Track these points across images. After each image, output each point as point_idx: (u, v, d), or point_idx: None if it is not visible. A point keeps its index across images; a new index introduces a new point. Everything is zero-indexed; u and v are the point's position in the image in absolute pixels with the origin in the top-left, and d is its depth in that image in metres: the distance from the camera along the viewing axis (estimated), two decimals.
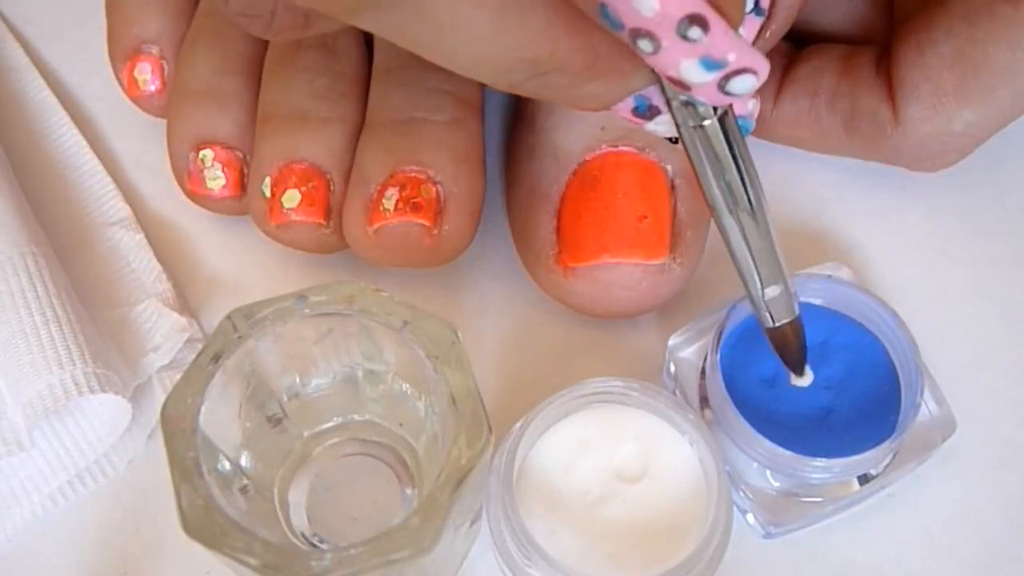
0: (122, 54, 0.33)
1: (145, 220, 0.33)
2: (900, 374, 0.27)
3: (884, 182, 0.34)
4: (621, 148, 0.29)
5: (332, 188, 0.30)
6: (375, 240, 0.29)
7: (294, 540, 0.26)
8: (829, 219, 0.33)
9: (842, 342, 0.28)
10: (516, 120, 0.33)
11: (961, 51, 0.28)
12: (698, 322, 0.29)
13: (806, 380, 0.27)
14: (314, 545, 0.27)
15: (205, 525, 0.22)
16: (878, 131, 0.30)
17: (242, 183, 0.31)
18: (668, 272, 0.29)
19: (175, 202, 0.33)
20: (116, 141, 0.35)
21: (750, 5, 0.27)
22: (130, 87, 0.33)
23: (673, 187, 0.29)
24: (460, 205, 0.29)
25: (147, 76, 0.32)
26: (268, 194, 0.30)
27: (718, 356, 0.27)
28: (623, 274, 0.29)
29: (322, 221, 0.30)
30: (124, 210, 0.33)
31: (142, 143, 0.34)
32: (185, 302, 0.32)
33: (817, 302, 0.28)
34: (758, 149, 0.34)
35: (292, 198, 0.29)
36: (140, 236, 0.32)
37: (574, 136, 0.29)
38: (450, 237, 0.29)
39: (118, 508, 0.29)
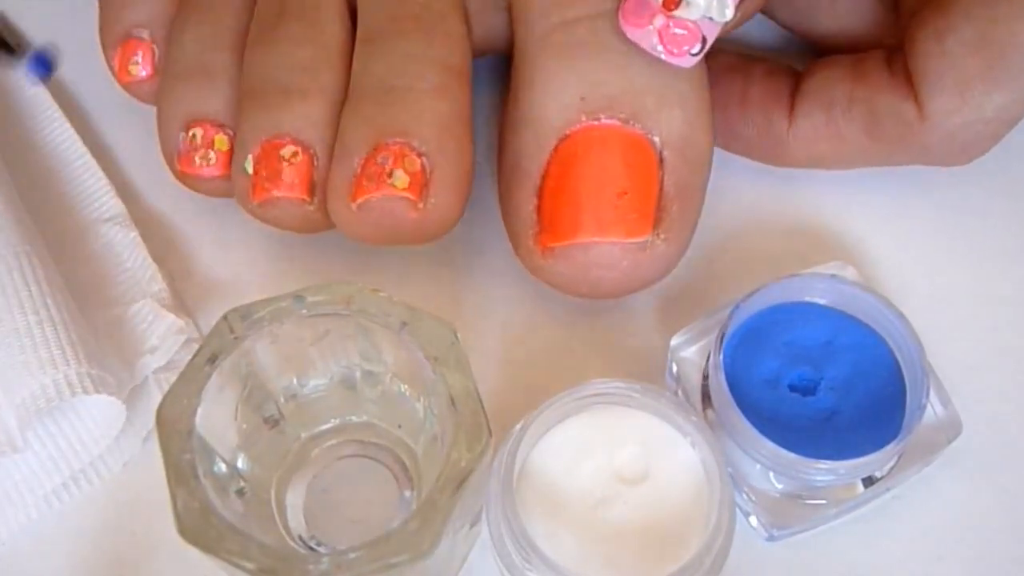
0: (112, 40, 0.32)
1: (139, 217, 0.33)
2: (905, 375, 0.27)
3: (889, 180, 0.33)
4: (603, 121, 0.28)
5: (316, 163, 0.29)
6: (358, 216, 0.28)
7: (291, 543, 0.26)
8: (833, 218, 0.33)
9: (847, 342, 0.27)
10: (505, 94, 0.32)
11: (983, 34, 0.28)
12: (701, 322, 0.28)
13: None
14: (311, 548, 0.27)
15: (201, 529, 0.22)
16: (904, 130, 0.29)
17: (230, 162, 0.30)
18: (651, 249, 0.28)
19: (170, 198, 0.33)
20: (110, 136, 0.35)
21: None
22: (121, 73, 0.32)
23: (661, 159, 0.28)
24: (446, 176, 0.28)
25: (138, 62, 0.32)
26: (251, 171, 0.29)
27: (721, 357, 0.26)
28: (601, 253, 0.28)
29: (306, 197, 0.29)
30: (118, 206, 0.33)
31: (136, 138, 0.34)
32: (181, 301, 0.32)
33: (821, 302, 0.28)
34: None
35: (275, 174, 0.29)
36: (134, 234, 0.32)
37: (553, 109, 0.28)
38: (436, 210, 0.28)
39: (113, 511, 0.29)
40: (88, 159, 0.34)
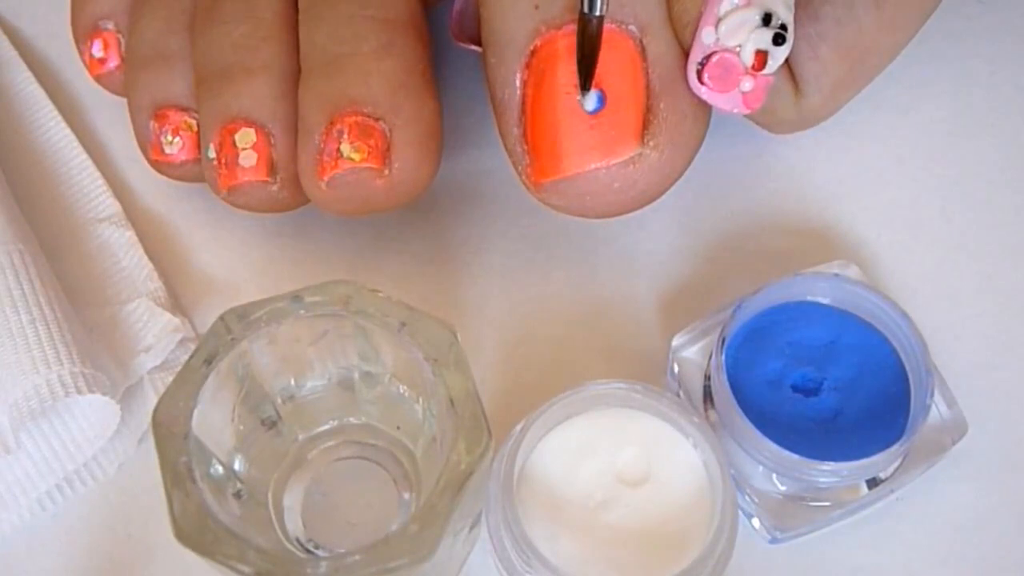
0: (82, 34, 0.32)
1: (136, 216, 0.33)
2: (910, 375, 0.27)
3: (892, 177, 0.33)
4: (565, 28, 0.25)
5: (272, 141, 0.28)
6: (329, 193, 0.28)
7: (289, 546, 0.26)
8: (836, 216, 0.33)
9: (850, 342, 0.27)
10: None
11: (854, 41, 0.28)
12: (702, 322, 0.28)
13: (588, 102, 0.25)
14: (309, 551, 0.26)
15: (198, 532, 0.21)
16: (781, 116, 0.30)
17: (199, 145, 0.30)
18: (642, 162, 0.26)
19: (166, 198, 0.33)
20: (106, 135, 0.35)
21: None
22: (92, 66, 0.32)
23: (643, 50, 0.25)
24: (407, 136, 0.27)
25: (103, 53, 0.31)
26: (214, 159, 0.29)
27: (723, 357, 0.26)
28: (588, 182, 0.26)
29: (267, 178, 0.28)
30: (114, 206, 0.33)
31: (132, 137, 0.34)
32: (177, 301, 0.31)
33: (824, 301, 0.28)
34: (764, 143, 0.33)
35: (232, 160, 0.28)
36: (130, 233, 0.32)
37: (511, 23, 0.26)
38: (404, 172, 0.27)
39: (109, 513, 0.28)
40: (84, 158, 0.34)
